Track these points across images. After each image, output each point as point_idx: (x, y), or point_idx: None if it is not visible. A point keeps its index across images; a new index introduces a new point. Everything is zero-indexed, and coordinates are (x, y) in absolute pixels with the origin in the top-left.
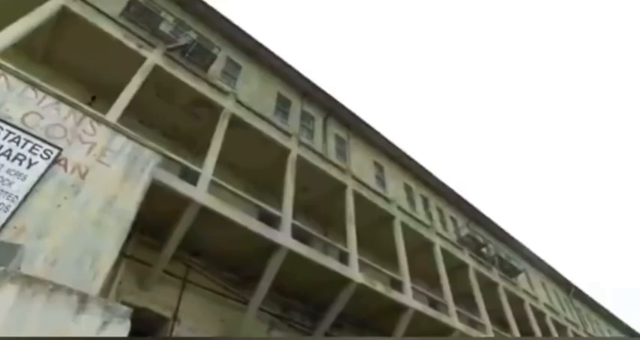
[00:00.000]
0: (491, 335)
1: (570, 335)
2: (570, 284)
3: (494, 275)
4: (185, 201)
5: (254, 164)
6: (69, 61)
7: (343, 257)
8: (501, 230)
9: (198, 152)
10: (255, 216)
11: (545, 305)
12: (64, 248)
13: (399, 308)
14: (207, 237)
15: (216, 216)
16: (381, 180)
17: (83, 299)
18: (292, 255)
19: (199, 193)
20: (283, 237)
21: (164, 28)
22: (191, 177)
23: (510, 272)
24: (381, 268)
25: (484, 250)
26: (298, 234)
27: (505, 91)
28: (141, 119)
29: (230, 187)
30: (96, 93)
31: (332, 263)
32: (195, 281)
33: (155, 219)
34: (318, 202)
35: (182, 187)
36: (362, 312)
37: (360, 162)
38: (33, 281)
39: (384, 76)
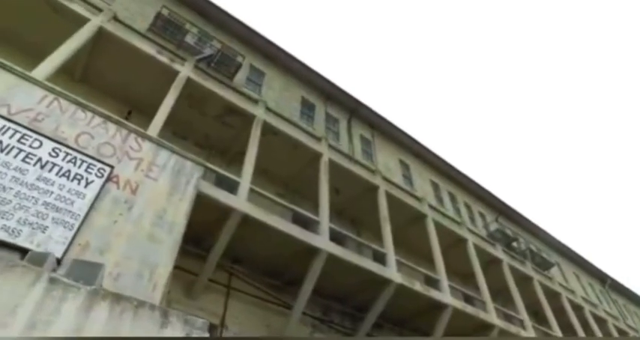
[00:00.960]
0: (530, 330)
1: (611, 328)
2: (605, 275)
3: (529, 269)
4: (227, 211)
5: (285, 169)
6: (105, 79)
7: (377, 258)
8: (531, 223)
9: (230, 160)
10: (289, 220)
11: (583, 298)
12: (123, 262)
13: (438, 307)
14: (247, 244)
15: (257, 223)
16: (408, 178)
17: (165, 313)
18: (332, 258)
19: (240, 202)
20: (322, 240)
21: (189, 39)
22: (226, 185)
23: (542, 265)
24: (418, 267)
25: (514, 244)
26: (335, 237)
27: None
28: (174, 131)
29: (269, 195)
30: (131, 108)
31: (371, 265)
32: (237, 288)
33: (197, 229)
34: (350, 204)
35: (223, 197)
36: (400, 312)
37: (387, 161)
38: (120, 298)
39: (398, 72)
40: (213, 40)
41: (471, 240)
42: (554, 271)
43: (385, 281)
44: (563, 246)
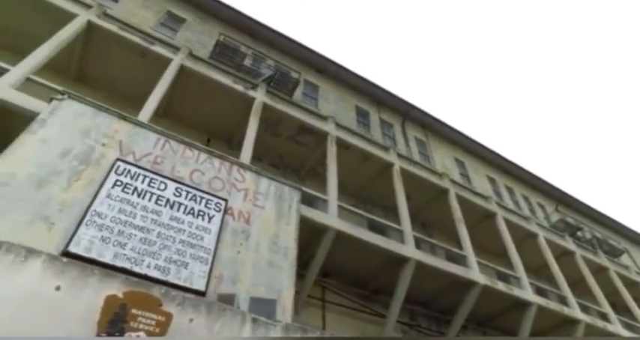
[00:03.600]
0: (617, 324)
1: None
2: None
3: (602, 259)
4: (322, 229)
5: (356, 180)
6: (184, 110)
7: (451, 259)
8: (593, 210)
9: (304, 176)
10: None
11: None
12: (253, 289)
13: (521, 305)
14: (335, 258)
15: (347, 237)
16: (465, 176)
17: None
18: (419, 265)
19: (333, 220)
20: (409, 249)
21: (247, 62)
22: (309, 202)
23: (611, 253)
24: (499, 267)
25: (579, 234)
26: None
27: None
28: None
29: (357, 210)
30: (209, 135)
31: (456, 268)
32: (330, 300)
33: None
34: (420, 208)
35: (317, 216)
36: (482, 311)
37: (444, 160)
38: (306, 330)
39: (441, 69)
40: (267, 60)
41: (542, 234)
42: (624, 258)
43: (470, 284)
44: (632, 231)
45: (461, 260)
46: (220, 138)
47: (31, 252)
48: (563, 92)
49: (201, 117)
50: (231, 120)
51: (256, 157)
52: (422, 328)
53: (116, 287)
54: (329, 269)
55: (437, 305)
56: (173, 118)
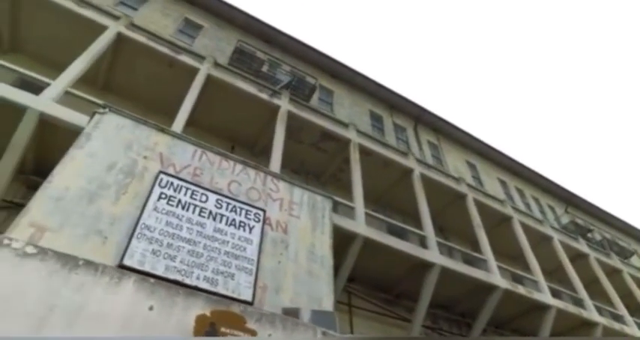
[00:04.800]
0: (633, 326)
1: None
2: None
3: (615, 261)
4: (351, 236)
5: (377, 185)
6: (211, 119)
7: (467, 261)
8: (602, 210)
9: (325, 182)
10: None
11: None
12: (296, 299)
13: (541, 308)
14: (361, 263)
15: (374, 244)
16: (477, 179)
17: None
18: (443, 270)
19: (361, 227)
20: (433, 254)
21: (264, 68)
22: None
23: (621, 254)
24: (519, 271)
25: (589, 235)
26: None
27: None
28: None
29: (383, 217)
30: (233, 143)
31: (478, 273)
32: (356, 305)
33: None
34: (438, 213)
35: (345, 223)
36: (502, 315)
37: (456, 164)
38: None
39: (445, 70)
40: (282, 65)
41: (556, 237)
42: (634, 260)
43: (491, 288)
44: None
45: (479, 264)
46: (243, 146)
47: (122, 273)
48: (568, 92)
49: (225, 125)
50: (254, 128)
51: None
52: (443, 331)
53: (201, 306)
54: (354, 275)
55: (457, 308)
56: (197, 126)
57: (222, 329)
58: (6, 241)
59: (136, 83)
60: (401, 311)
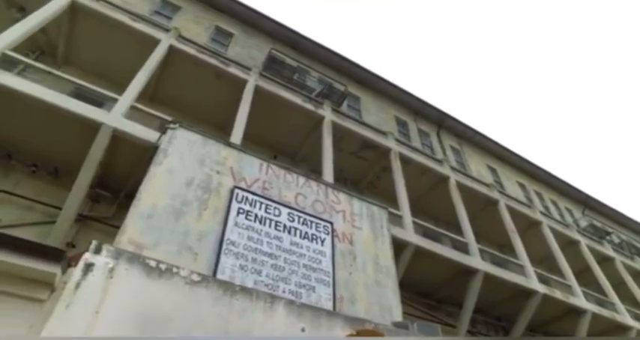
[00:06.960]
0: None
1: None
2: None
3: (639, 263)
4: (403, 245)
5: (414, 192)
6: (254, 129)
7: (496, 263)
8: (618, 212)
9: (362, 190)
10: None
11: None
12: (369, 308)
13: (576, 312)
14: (408, 270)
15: (421, 251)
16: (498, 183)
17: None
18: (486, 276)
19: (411, 235)
20: (476, 260)
21: (295, 76)
22: None
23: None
24: (556, 277)
25: (608, 238)
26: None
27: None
28: (312, 169)
29: (425, 224)
30: (275, 152)
31: (518, 278)
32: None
33: None
34: (470, 218)
35: (397, 232)
36: (537, 318)
37: (478, 168)
38: None
39: (451, 72)
40: (310, 72)
41: (583, 241)
42: None
43: (530, 293)
44: None
45: (513, 268)
46: (285, 154)
47: (273, 297)
48: (580, 94)
49: (268, 135)
50: (296, 137)
51: (317, 171)
52: (482, 335)
53: (341, 325)
54: (400, 281)
55: (495, 312)
56: (244, 138)
57: None
58: (175, 269)
59: (182, 94)
60: (442, 316)
